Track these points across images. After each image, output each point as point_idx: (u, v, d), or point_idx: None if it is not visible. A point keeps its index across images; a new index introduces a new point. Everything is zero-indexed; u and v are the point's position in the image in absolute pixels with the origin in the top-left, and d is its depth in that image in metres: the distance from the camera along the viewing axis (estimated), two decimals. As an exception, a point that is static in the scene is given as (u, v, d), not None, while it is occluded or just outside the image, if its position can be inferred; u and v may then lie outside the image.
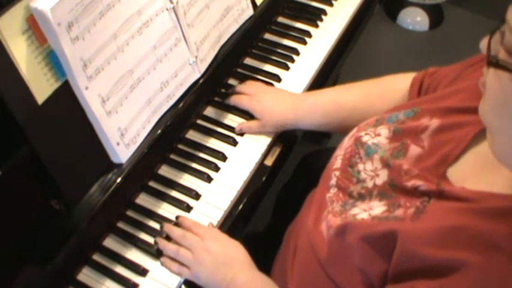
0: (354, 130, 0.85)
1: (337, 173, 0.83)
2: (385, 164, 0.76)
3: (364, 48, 2.22)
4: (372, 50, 2.46)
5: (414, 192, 0.70)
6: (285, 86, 1.15)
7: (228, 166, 1.01)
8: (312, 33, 1.26)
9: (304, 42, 1.24)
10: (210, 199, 0.96)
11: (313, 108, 1.03)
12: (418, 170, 0.71)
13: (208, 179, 0.99)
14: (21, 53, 0.73)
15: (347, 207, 0.77)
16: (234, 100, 1.08)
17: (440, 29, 2.57)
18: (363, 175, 0.78)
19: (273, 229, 1.24)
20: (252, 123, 1.05)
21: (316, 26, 1.28)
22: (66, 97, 0.80)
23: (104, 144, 0.86)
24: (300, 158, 1.30)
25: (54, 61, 0.77)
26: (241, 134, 1.06)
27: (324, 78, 1.24)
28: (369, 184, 0.77)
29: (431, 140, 0.73)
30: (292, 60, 1.20)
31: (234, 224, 0.96)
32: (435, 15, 2.57)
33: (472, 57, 0.81)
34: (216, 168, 1.00)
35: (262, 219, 1.25)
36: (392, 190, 0.73)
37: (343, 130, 0.91)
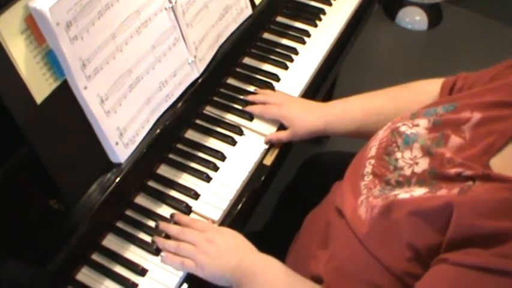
0: (389, 124, 0.87)
1: (373, 161, 0.84)
2: (427, 152, 0.77)
3: (363, 48, 2.22)
4: (371, 50, 2.46)
5: (457, 178, 0.71)
6: (283, 85, 1.15)
7: (227, 166, 1.01)
8: (310, 32, 1.26)
9: (303, 42, 1.24)
10: (209, 199, 0.96)
11: (343, 115, 1.04)
12: (461, 159, 0.72)
13: (208, 179, 0.99)
14: (20, 53, 0.73)
15: (386, 192, 0.79)
16: (262, 110, 1.08)
17: (439, 28, 2.57)
18: (400, 163, 0.80)
19: (272, 229, 1.24)
20: (282, 133, 1.05)
21: (315, 25, 1.28)
22: (65, 97, 0.80)
23: (102, 144, 0.86)
24: (302, 161, 1.29)
25: (53, 61, 0.77)
26: (240, 134, 1.06)
27: (323, 77, 1.24)
28: (407, 172, 0.78)
29: (473, 131, 0.75)
30: (291, 60, 1.20)
31: (233, 223, 0.96)
32: (434, 14, 2.57)
33: (511, 59, 0.82)
34: (215, 168, 1.00)
35: (262, 219, 1.25)
36: (433, 178, 0.75)
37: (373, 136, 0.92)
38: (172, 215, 0.93)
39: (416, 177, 0.77)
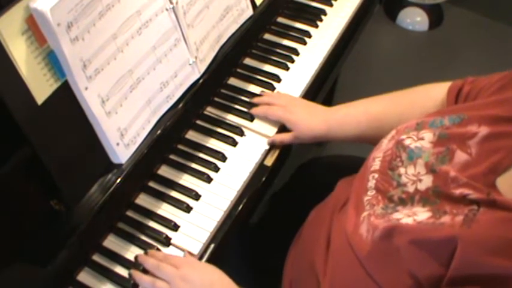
0: (393, 132, 0.84)
1: (376, 175, 0.82)
2: (430, 169, 0.74)
3: (363, 48, 2.22)
4: (372, 50, 2.46)
5: (462, 200, 0.68)
6: (284, 86, 1.15)
7: (227, 166, 1.01)
8: (311, 33, 1.26)
9: (304, 43, 1.24)
10: (210, 199, 0.96)
11: (345, 120, 1.03)
12: (466, 178, 0.69)
13: (208, 180, 0.99)
14: (21, 54, 0.73)
15: (389, 211, 0.76)
16: (266, 111, 1.07)
17: (440, 29, 2.57)
18: (404, 179, 0.77)
19: (269, 228, 1.23)
20: (285, 136, 1.05)
21: (316, 26, 1.28)
22: (65, 97, 0.80)
23: (103, 144, 0.86)
24: (296, 167, 1.28)
25: (53, 61, 0.77)
26: (241, 134, 1.06)
27: (324, 78, 1.24)
28: (410, 189, 0.76)
29: (480, 147, 0.72)
30: (292, 61, 1.20)
31: (233, 224, 0.96)
32: (435, 15, 2.57)
33: None
34: (216, 169, 1.00)
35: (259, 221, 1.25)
36: (436, 197, 0.72)
37: (376, 142, 0.90)
38: (147, 252, 0.89)
39: (419, 194, 0.74)
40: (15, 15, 0.72)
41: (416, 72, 2.32)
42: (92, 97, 0.82)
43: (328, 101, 1.21)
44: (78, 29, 0.78)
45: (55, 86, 0.78)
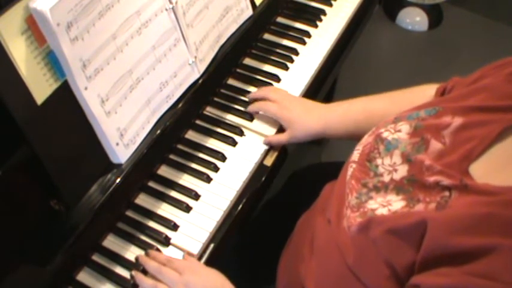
0: (373, 128, 0.86)
1: (354, 166, 0.83)
2: (406, 159, 0.76)
3: (363, 48, 2.22)
4: (371, 50, 2.46)
5: (434, 187, 0.70)
6: (284, 86, 1.15)
7: (227, 166, 1.01)
8: (311, 33, 1.26)
9: (304, 43, 1.24)
10: (209, 199, 0.96)
11: (343, 117, 1.03)
12: (441, 166, 0.71)
13: (208, 179, 0.99)
14: (21, 54, 0.73)
15: (362, 199, 0.78)
16: (260, 106, 1.07)
17: (439, 29, 2.58)
18: (380, 169, 0.79)
19: (263, 234, 1.23)
20: (281, 136, 1.04)
21: (316, 26, 1.28)
22: (65, 97, 0.80)
23: (103, 144, 0.86)
24: (289, 174, 1.28)
25: (53, 61, 0.77)
26: (241, 134, 1.06)
27: (324, 78, 1.24)
28: (386, 178, 0.77)
29: (454, 137, 0.74)
30: (292, 61, 1.20)
31: (233, 224, 0.96)
32: (434, 15, 2.57)
33: (498, 61, 0.81)
34: (216, 169, 1.00)
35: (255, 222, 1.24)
36: (410, 185, 0.73)
37: None
38: (148, 254, 0.89)
39: (394, 183, 0.76)
40: (15, 15, 0.72)
41: (415, 72, 2.32)
42: (91, 97, 0.82)
43: (328, 100, 1.21)
44: (78, 29, 0.78)
45: (55, 86, 0.78)
